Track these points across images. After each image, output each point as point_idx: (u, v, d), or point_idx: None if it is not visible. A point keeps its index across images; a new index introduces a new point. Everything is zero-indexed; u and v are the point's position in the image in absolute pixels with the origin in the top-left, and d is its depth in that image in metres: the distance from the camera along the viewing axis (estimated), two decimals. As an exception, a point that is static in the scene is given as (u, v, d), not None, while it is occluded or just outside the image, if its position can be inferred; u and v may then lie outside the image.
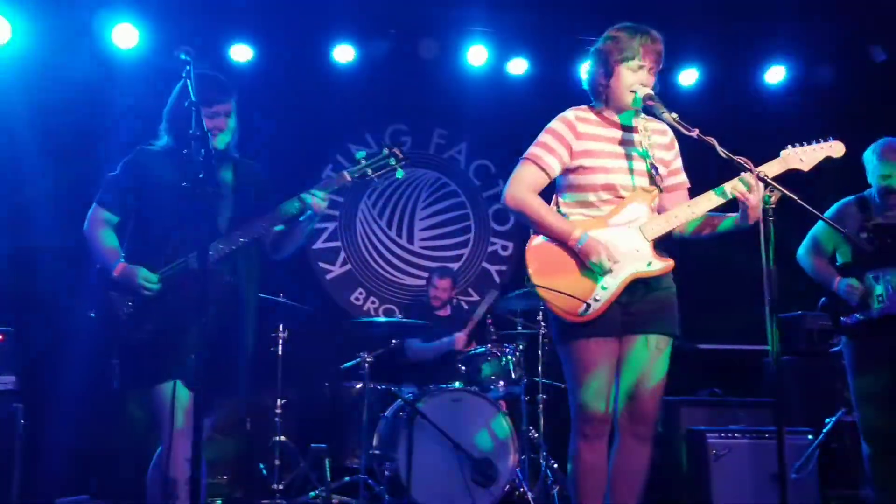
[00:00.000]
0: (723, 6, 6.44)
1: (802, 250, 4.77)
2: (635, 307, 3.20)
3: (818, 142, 3.26)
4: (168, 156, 3.31)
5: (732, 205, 3.16)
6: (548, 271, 3.19)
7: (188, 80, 2.94)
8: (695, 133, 3.05)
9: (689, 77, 6.97)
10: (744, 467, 5.12)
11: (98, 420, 5.52)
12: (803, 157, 3.22)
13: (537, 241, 3.27)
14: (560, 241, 3.19)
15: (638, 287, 3.20)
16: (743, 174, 3.08)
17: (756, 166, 3.07)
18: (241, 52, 6.42)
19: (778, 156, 3.23)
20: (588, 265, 3.14)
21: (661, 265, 3.21)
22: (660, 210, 3.31)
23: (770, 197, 2.91)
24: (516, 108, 6.67)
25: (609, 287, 3.15)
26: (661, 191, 3.26)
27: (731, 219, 3.21)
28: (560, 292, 3.14)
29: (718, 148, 2.99)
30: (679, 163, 3.40)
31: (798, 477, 5.10)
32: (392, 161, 3.39)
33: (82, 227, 3.41)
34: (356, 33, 6.61)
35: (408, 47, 6.67)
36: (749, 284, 2.85)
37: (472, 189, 7.33)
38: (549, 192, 3.38)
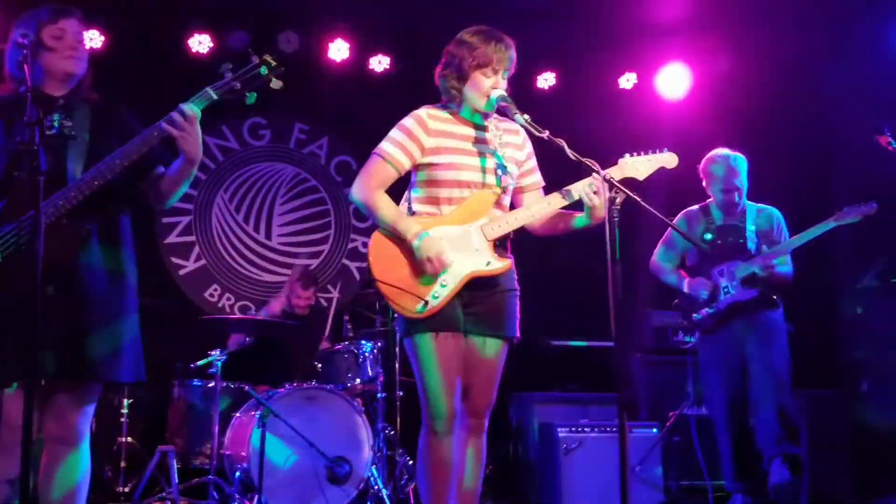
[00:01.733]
0: (580, 13, 6.62)
1: (654, 257, 5.07)
2: (475, 307, 3.25)
3: (654, 152, 3.38)
4: (14, 106, 2.84)
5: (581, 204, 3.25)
6: (389, 267, 3.20)
7: (25, 65, 2.72)
8: (545, 134, 3.11)
9: (546, 81, 7.13)
10: (593, 460, 5.27)
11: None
12: (639, 166, 3.33)
13: (380, 236, 3.27)
14: (401, 238, 3.20)
15: (478, 287, 3.24)
16: (589, 178, 3.16)
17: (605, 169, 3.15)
18: (90, 39, 6.13)
19: (616, 163, 3.33)
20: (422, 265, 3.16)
21: (500, 265, 3.26)
22: (511, 209, 3.36)
23: (616, 198, 3.00)
24: (379, 105, 6.62)
25: (448, 285, 3.19)
26: (503, 190, 3.31)
27: (578, 219, 3.29)
28: (399, 288, 3.15)
29: (567, 150, 3.06)
30: (533, 163, 3.46)
31: (642, 469, 5.31)
32: (263, 70, 2.87)
33: None
34: (213, 23, 6.44)
35: (267, 39, 6.54)
36: (601, 283, 2.93)
37: (333, 185, 7.27)
38: (402, 187, 3.39)
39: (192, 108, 2.83)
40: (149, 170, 2.98)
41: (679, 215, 4.99)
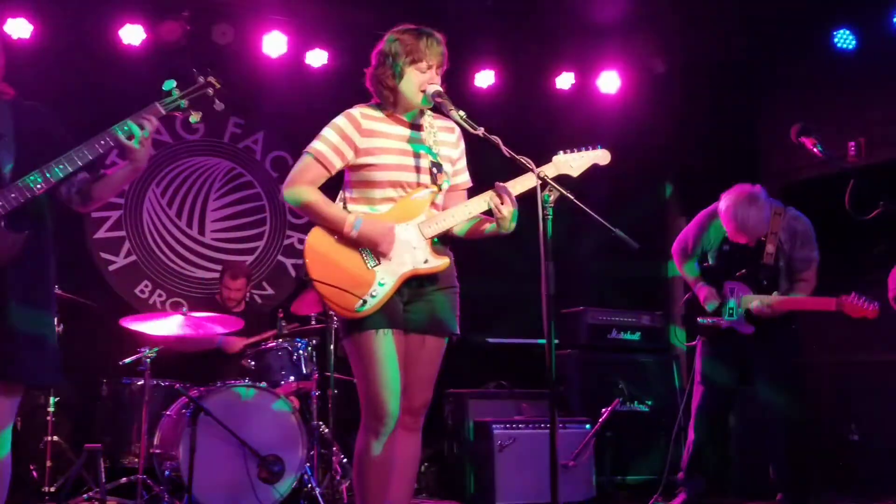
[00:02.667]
0: (519, 12, 6.66)
1: (675, 246, 5.08)
2: (415, 305, 3.25)
3: (587, 149, 3.41)
4: None
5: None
6: (326, 265, 3.18)
7: None
8: (480, 131, 3.12)
9: (485, 79, 7.15)
10: (526, 456, 5.32)
11: None
12: (573, 163, 3.35)
13: (316, 234, 3.24)
14: (337, 231, 3.18)
15: (418, 284, 3.25)
16: (496, 185, 3.20)
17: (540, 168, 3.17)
18: (18, 27, 5.96)
19: (550, 159, 3.36)
20: (366, 251, 3.15)
21: (438, 263, 3.26)
22: (443, 208, 3.36)
23: (549, 196, 3.02)
24: (315, 101, 6.59)
25: (386, 283, 3.18)
26: (440, 189, 3.31)
27: (491, 225, 3.30)
28: (337, 287, 3.13)
29: (502, 147, 3.08)
30: (463, 162, 3.47)
31: (575, 464, 5.37)
32: (209, 91, 2.94)
33: None
34: (146, 13, 6.31)
35: (202, 31, 6.44)
36: (535, 280, 2.95)
37: (269, 181, 7.18)
38: (335, 187, 3.37)
39: (132, 128, 2.81)
40: (77, 174, 2.92)
41: (703, 212, 4.98)
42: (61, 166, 2.76)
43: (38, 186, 2.75)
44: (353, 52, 6.77)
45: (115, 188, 3.01)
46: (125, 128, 2.82)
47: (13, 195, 2.72)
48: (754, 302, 4.69)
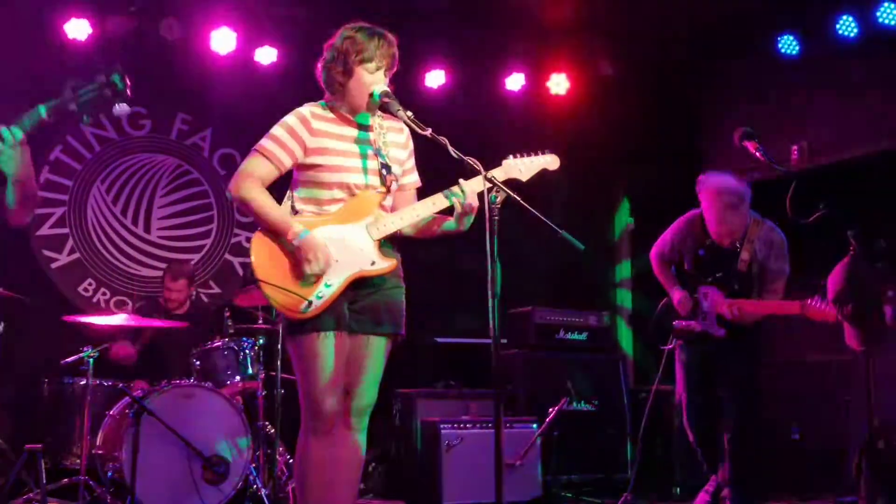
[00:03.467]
0: (470, 13, 6.68)
1: (654, 250, 5.12)
2: (360, 305, 3.25)
3: (536, 154, 3.43)
4: None
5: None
6: (272, 265, 3.17)
7: None
8: (428, 132, 3.12)
9: (436, 79, 7.16)
10: (473, 456, 5.33)
11: None
12: (522, 167, 3.38)
13: (263, 235, 3.22)
14: (281, 235, 3.16)
15: (364, 286, 3.24)
16: (460, 182, 3.20)
17: (488, 169, 3.19)
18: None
19: (500, 163, 3.37)
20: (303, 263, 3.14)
21: (384, 265, 3.26)
22: (392, 208, 3.36)
23: (496, 197, 3.04)
24: (265, 98, 6.54)
25: (333, 285, 3.17)
26: (388, 191, 3.31)
27: (448, 223, 3.32)
28: (282, 288, 3.12)
29: (450, 148, 3.08)
30: (412, 163, 3.48)
31: (522, 463, 5.40)
32: (107, 93, 2.69)
33: None
34: (92, 7, 6.20)
35: (148, 26, 6.35)
36: (484, 280, 2.97)
37: (216, 178, 7.10)
38: (283, 184, 3.35)
39: (14, 132, 2.67)
40: None
41: (682, 218, 5.03)
42: None
43: None
44: (303, 49, 6.74)
45: (20, 202, 2.91)
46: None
47: None
48: (725, 306, 4.74)
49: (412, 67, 6.81)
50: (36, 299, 5.50)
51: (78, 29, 6.21)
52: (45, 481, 4.69)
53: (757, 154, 4.20)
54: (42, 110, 2.71)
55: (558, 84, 7.40)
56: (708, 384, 4.91)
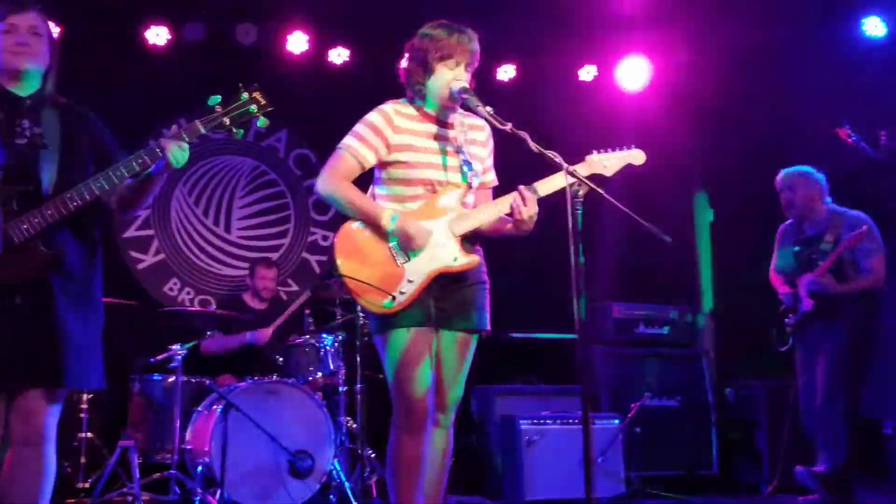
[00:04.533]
0: (540, 4, 6.64)
1: (772, 269, 5.36)
2: (445, 302, 3.25)
3: (622, 149, 3.40)
4: None
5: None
6: (356, 261, 3.20)
7: None
8: (508, 127, 3.11)
9: (506, 73, 7.15)
10: (554, 452, 5.31)
11: None
12: (606, 162, 3.34)
13: (347, 229, 3.26)
14: (373, 224, 3.19)
15: (447, 282, 3.24)
16: (519, 188, 3.19)
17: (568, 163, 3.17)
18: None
19: (583, 158, 3.35)
20: (396, 248, 3.17)
21: (466, 261, 3.26)
22: (472, 206, 3.37)
23: (579, 191, 3.02)
24: (337, 98, 6.61)
25: (415, 281, 3.18)
26: (470, 187, 3.32)
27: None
28: (366, 283, 3.15)
29: (531, 143, 3.06)
30: (491, 161, 3.47)
31: (604, 460, 5.36)
32: (252, 109, 2.86)
33: None
34: (171, 14, 6.35)
35: (225, 31, 6.48)
36: (563, 274, 2.95)
37: (292, 178, 7.22)
38: (365, 183, 3.38)
39: (183, 147, 2.81)
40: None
41: (780, 228, 5.33)
42: (99, 184, 2.77)
43: (74, 204, 2.76)
44: (374, 49, 6.80)
45: (147, 196, 3.02)
46: (157, 150, 2.81)
47: (49, 212, 2.74)
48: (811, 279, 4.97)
49: (483, 62, 6.79)
50: (125, 299, 5.66)
51: (157, 35, 6.36)
52: (138, 476, 4.84)
53: (849, 140, 4.12)
54: (199, 126, 2.84)
55: (632, 74, 7.30)
56: (812, 366, 5.01)
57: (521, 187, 3.21)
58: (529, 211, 3.18)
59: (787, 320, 5.14)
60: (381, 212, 3.19)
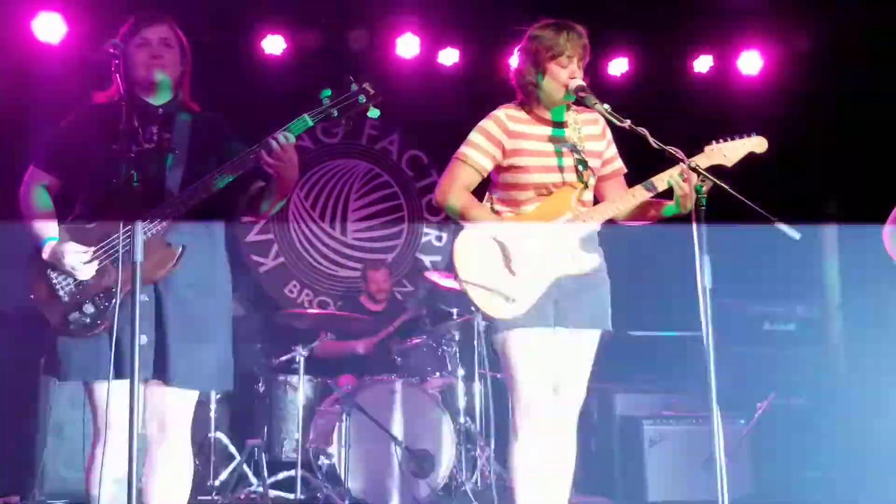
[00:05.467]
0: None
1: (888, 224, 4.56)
2: (564, 301, 3.22)
3: (741, 137, 3.29)
4: (110, 114, 2.84)
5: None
6: (474, 265, 3.21)
7: (117, 75, 2.78)
8: (626, 124, 3.06)
9: (618, 67, 7.03)
10: (678, 453, 5.21)
11: (28, 418, 5.36)
12: (727, 152, 3.25)
13: (465, 235, 3.27)
14: (488, 235, 3.20)
15: (568, 282, 3.22)
16: (677, 166, 3.10)
17: (686, 156, 3.09)
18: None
19: (702, 149, 3.26)
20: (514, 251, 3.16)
21: (585, 262, 3.23)
22: (597, 199, 3.33)
23: (702, 186, 2.95)
24: (448, 99, 6.65)
25: (533, 283, 3.17)
26: (586, 186, 3.27)
27: (668, 207, 3.23)
28: (484, 287, 3.15)
29: (650, 138, 3.01)
30: (613, 150, 3.42)
31: (731, 461, 5.20)
32: (362, 99, 2.84)
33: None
34: (286, 24, 6.51)
35: (338, 38, 6.60)
36: (683, 271, 2.88)
37: (405, 180, 7.31)
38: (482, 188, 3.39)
39: (288, 137, 2.82)
40: (247, 186, 3.00)
41: None
42: (214, 181, 2.82)
43: (192, 202, 2.81)
44: (483, 49, 6.81)
45: (271, 202, 3.03)
46: (270, 142, 2.83)
47: (170, 210, 2.81)
48: None
49: (593, 57, 6.70)
50: (248, 302, 5.83)
51: (273, 44, 6.52)
52: (265, 474, 4.98)
53: None
54: (308, 119, 2.85)
55: (750, 63, 7.06)
56: None
57: (682, 163, 3.06)
58: (690, 185, 3.06)
59: None
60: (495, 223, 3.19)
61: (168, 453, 2.94)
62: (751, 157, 3.33)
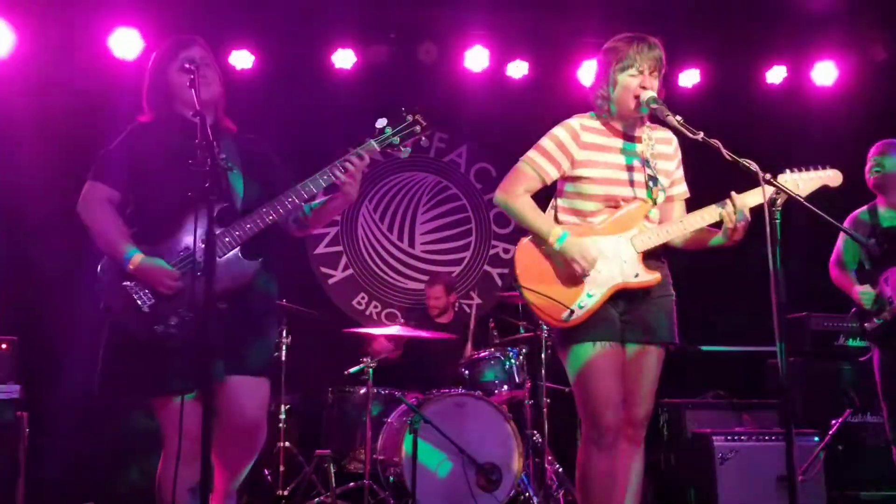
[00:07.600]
0: (721, 6, 6.43)
1: (831, 260, 4.74)
2: (631, 316, 3.22)
3: (816, 168, 3.26)
4: (162, 131, 3.06)
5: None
6: (535, 274, 3.22)
7: (193, 91, 2.89)
8: (699, 136, 3.04)
9: (689, 78, 6.96)
10: (749, 470, 5.11)
11: (103, 427, 5.52)
12: (801, 183, 3.22)
13: (527, 242, 3.29)
14: (542, 240, 3.22)
15: (634, 296, 3.21)
16: (732, 195, 3.11)
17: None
18: (241, 59, 6.39)
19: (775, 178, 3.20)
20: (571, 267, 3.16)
21: (648, 277, 3.22)
22: (660, 220, 3.31)
23: (777, 199, 2.91)
24: (516, 111, 6.66)
25: (595, 295, 3.17)
26: (654, 203, 3.26)
27: (716, 238, 3.23)
28: (544, 296, 3.15)
29: (724, 151, 2.98)
30: (680, 173, 3.41)
31: (804, 479, 5.09)
32: (417, 129, 3.14)
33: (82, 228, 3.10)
34: (356, 38, 6.60)
35: (407, 51, 6.67)
36: (752, 285, 2.84)
37: (473, 192, 7.33)
38: (546, 194, 3.39)
39: (363, 155, 3.07)
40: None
41: (847, 219, 4.61)
42: (290, 199, 3.02)
43: (270, 218, 3.01)
44: (553, 61, 6.80)
45: (327, 218, 3.29)
46: (345, 164, 3.05)
47: (248, 225, 2.99)
48: None
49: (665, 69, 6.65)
50: (324, 314, 5.92)
51: (344, 59, 6.62)
52: (333, 485, 5.03)
53: None
54: (374, 143, 3.09)
55: (825, 73, 6.93)
56: None
57: (733, 194, 3.11)
58: (745, 219, 3.10)
59: (867, 325, 4.42)
60: (551, 230, 3.20)
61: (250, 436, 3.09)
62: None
